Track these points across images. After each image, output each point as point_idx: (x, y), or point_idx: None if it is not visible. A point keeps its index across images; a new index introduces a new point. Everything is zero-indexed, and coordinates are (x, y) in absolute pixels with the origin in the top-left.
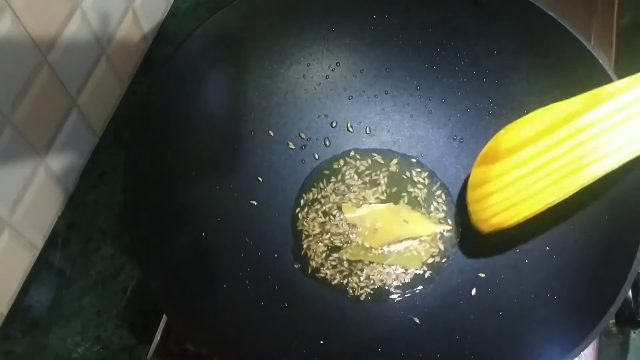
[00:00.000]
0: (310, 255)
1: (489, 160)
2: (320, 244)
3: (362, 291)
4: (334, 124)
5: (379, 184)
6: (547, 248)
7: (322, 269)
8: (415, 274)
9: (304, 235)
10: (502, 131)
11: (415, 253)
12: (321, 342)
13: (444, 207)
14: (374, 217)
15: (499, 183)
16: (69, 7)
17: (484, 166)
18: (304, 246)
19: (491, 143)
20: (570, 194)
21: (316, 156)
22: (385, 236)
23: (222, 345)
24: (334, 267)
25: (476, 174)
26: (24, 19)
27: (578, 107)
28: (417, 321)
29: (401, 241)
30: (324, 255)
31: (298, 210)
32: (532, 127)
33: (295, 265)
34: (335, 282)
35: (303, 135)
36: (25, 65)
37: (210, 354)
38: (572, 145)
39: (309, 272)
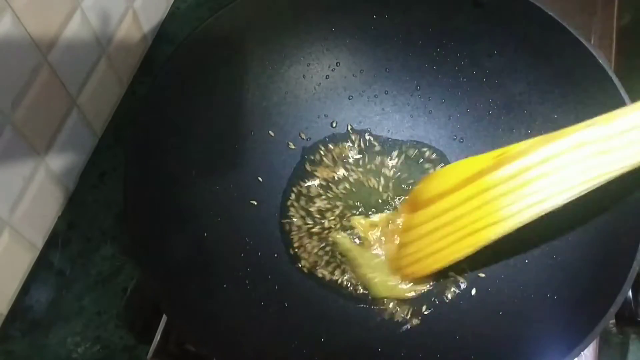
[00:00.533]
0: (302, 255)
1: (409, 208)
2: (311, 240)
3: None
4: (334, 124)
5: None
6: (547, 248)
7: (317, 268)
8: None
9: (293, 232)
10: (425, 180)
11: None
12: (321, 342)
13: None
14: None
15: (414, 234)
16: (69, 7)
17: (404, 215)
18: (294, 244)
19: (414, 192)
20: (472, 252)
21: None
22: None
23: (222, 345)
24: (326, 262)
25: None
26: (24, 19)
27: (485, 165)
28: (417, 321)
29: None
30: (315, 250)
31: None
32: (446, 180)
33: (297, 265)
34: (329, 279)
35: (303, 136)
36: (25, 65)
37: (210, 354)
38: (478, 203)
39: (306, 271)
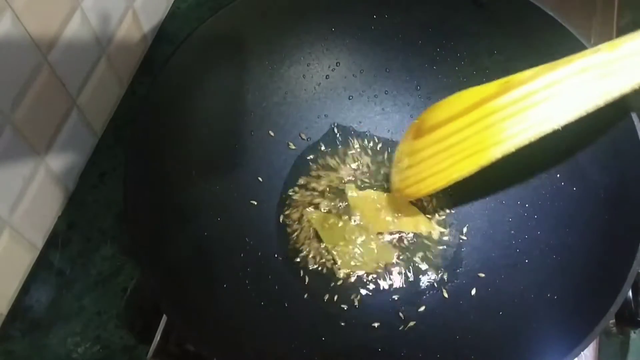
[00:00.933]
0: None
1: (413, 135)
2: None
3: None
4: (334, 124)
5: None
6: (547, 248)
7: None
8: (415, 276)
9: (289, 229)
10: (428, 109)
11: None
12: (321, 341)
13: (446, 210)
14: (375, 200)
15: (418, 157)
16: (69, 7)
17: (409, 140)
18: (292, 239)
19: (418, 120)
20: (470, 173)
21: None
22: (383, 223)
23: (222, 345)
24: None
25: (403, 146)
26: (24, 19)
27: (491, 91)
28: (417, 321)
29: (393, 233)
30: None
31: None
32: (451, 107)
33: (297, 265)
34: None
35: (303, 136)
36: (25, 65)
37: (210, 354)
38: (483, 126)
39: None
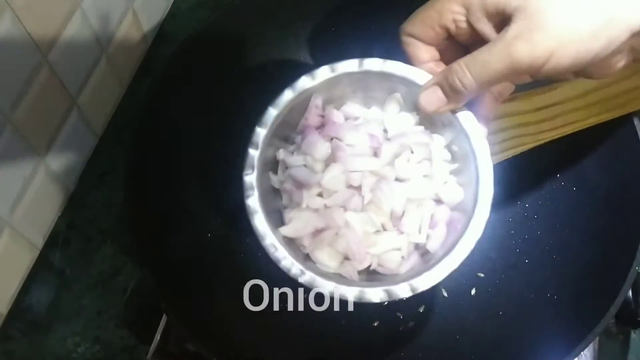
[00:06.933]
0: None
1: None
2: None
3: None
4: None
5: None
6: (547, 248)
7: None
8: None
9: None
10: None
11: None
12: (321, 342)
13: None
14: None
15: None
16: (69, 7)
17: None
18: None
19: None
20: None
21: None
22: None
23: (222, 345)
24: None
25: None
26: (24, 19)
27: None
28: (417, 321)
29: None
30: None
31: None
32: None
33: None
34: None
35: None
36: (25, 65)
37: (210, 354)
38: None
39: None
